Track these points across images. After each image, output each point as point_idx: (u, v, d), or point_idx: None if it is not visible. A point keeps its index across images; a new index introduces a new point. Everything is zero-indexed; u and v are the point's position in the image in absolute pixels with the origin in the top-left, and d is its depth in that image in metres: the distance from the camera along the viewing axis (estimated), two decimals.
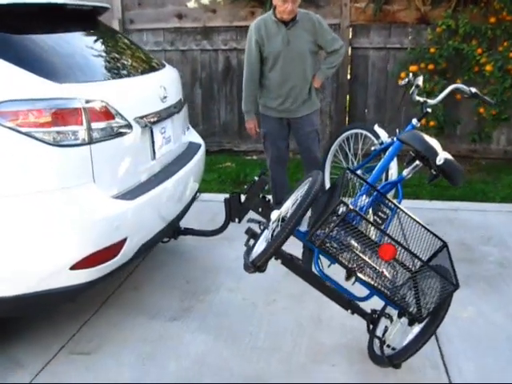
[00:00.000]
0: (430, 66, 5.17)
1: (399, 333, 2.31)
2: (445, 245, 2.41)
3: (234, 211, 3.06)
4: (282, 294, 3.09)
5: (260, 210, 2.91)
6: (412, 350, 2.18)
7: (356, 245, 2.09)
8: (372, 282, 2.12)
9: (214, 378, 2.40)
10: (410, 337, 2.24)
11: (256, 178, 2.93)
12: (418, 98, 3.03)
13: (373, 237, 2.14)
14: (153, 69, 3.04)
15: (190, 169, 3.13)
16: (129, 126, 2.53)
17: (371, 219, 2.56)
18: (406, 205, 4.49)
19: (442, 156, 2.36)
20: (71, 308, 2.90)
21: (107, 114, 2.39)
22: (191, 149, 3.37)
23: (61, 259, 2.26)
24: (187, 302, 3.02)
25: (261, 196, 2.94)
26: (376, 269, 2.13)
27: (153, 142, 2.79)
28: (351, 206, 1.98)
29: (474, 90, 3.01)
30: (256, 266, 2.23)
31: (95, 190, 2.32)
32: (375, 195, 2.48)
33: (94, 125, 2.30)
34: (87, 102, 2.28)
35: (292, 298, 3.04)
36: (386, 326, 2.34)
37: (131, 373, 2.43)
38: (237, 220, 3.09)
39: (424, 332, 2.17)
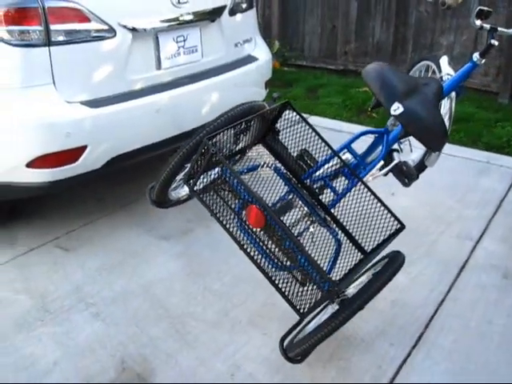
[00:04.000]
0: None
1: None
2: (401, 228, 1.74)
3: None
4: None
5: None
6: (303, 346, 1.69)
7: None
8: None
9: (139, 307, 2.29)
10: (310, 328, 1.75)
11: None
12: (479, 22, 2.04)
13: None
14: None
15: (222, 82, 2.88)
16: (110, 31, 2.39)
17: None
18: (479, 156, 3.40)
19: (401, 104, 1.61)
20: (88, 206, 3.05)
21: (77, 16, 2.29)
22: (240, 62, 3.06)
23: (16, 156, 2.35)
24: (192, 225, 2.88)
25: None
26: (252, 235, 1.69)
27: (158, 51, 2.60)
28: (216, 151, 1.54)
29: None
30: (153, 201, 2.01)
31: (52, 92, 2.29)
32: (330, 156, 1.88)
33: (56, 26, 2.24)
34: (48, 1, 2.20)
35: None
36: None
37: (81, 277, 2.47)
38: None
39: (319, 328, 1.66)
